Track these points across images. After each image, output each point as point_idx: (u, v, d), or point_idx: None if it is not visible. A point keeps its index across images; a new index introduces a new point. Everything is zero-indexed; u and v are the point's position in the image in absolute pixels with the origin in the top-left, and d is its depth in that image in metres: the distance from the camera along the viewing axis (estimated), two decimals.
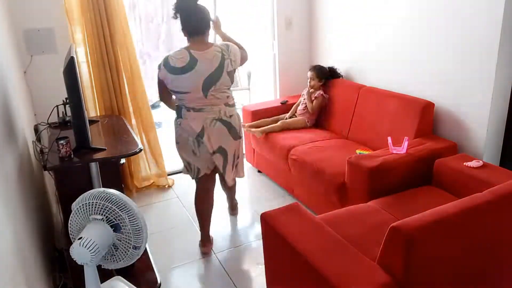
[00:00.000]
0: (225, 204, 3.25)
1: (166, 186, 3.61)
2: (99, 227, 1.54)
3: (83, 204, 1.56)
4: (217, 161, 2.54)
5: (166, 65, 2.32)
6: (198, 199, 2.76)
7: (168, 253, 2.69)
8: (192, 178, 2.70)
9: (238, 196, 3.32)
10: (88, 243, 1.48)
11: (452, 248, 1.56)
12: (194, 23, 2.34)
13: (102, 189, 1.60)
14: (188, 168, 2.66)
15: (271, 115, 3.66)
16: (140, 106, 3.35)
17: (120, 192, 1.60)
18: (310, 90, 3.52)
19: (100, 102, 3.20)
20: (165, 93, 2.50)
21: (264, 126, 3.49)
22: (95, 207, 1.55)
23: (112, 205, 1.55)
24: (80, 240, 1.48)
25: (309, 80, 3.56)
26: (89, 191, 1.59)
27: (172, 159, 4.14)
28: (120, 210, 1.55)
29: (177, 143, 2.58)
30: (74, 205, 1.58)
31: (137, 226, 1.58)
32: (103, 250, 1.54)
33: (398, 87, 3.10)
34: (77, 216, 1.58)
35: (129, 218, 1.56)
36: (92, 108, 3.21)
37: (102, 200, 1.55)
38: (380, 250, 1.55)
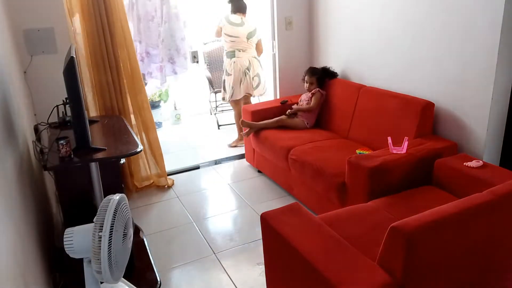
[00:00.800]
0: (225, 203, 3.26)
1: (166, 186, 3.61)
2: (89, 229, 1.54)
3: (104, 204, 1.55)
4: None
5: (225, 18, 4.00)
6: (238, 115, 4.14)
7: (168, 253, 2.69)
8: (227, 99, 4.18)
9: (238, 196, 3.33)
10: (67, 236, 1.52)
11: (452, 248, 1.56)
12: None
13: (122, 201, 1.56)
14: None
15: (271, 115, 3.66)
16: (140, 106, 3.35)
17: (120, 209, 1.54)
18: (312, 92, 3.55)
19: (100, 102, 3.19)
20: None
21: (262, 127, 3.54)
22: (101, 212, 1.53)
23: (102, 214, 1.50)
24: (67, 230, 1.52)
25: (307, 85, 3.58)
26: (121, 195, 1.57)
27: (172, 159, 4.16)
28: (99, 224, 1.48)
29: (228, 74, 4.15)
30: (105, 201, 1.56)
31: (98, 249, 1.46)
32: (84, 251, 1.53)
33: (398, 87, 3.10)
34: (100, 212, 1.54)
35: (98, 238, 1.46)
36: (92, 108, 3.21)
37: (103, 206, 1.53)
38: (380, 250, 1.55)
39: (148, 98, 3.61)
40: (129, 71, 3.23)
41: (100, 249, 1.45)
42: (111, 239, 1.46)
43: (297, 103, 3.67)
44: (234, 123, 4.60)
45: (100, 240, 1.46)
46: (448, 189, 2.36)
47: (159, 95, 5.50)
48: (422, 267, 1.50)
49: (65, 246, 1.53)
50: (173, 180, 3.68)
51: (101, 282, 1.68)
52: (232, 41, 4.00)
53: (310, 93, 3.55)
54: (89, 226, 1.56)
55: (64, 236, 1.53)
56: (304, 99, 3.60)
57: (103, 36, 3.04)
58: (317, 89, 3.54)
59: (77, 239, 1.53)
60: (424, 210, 1.57)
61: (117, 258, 1.51)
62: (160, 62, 4.43)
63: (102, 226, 1.47)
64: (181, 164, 4.02)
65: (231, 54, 4.05)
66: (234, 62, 4.02)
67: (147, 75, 4.45)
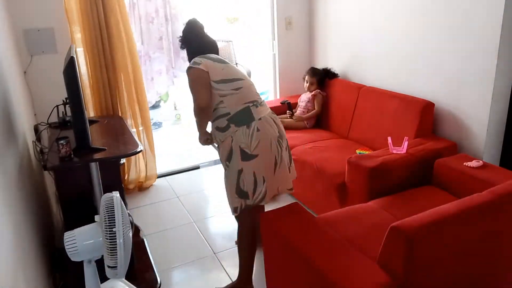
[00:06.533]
0: (225, 203, 3.26)
1: (153, 186, 3.62)
2: (93, 228, 1.53)
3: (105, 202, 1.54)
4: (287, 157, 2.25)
5: (206, 58, 2.12)
6: (252, 237, 2.25)
7: (168, 253, 2.69)
8: (240, 209, 2.13)
9: None
10: (68, 239, 1.50)
11: (452, 248, 1.56)
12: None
13: (116, 194, 1.56)
14: (247, 194, 2.08)
15: None
16: (139, 107, 3.35)
17: (121, 205, 1.54)
18: (313, 94, 3.54)
19: (99, 103, 3.19)
20: (208, 94, 2.08)
21: None
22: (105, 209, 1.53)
23: (107, 213, 1.50)
24: (66, 234, 1.50)
25: (307, 84, 3.57)
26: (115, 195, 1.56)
27: (172, 159, 4.16)
28: (108, 222, 1.48)
29: (252, 157, 2.04)
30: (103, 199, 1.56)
31: (113, 244, 1.47)
32: (88, 252, 1.53)
33: (398, 87, 3.10)
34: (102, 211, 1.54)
35: (109, 235, 1.47)
36: (92, 108, 3.21)
37: (106, 203, 1.53)
38: (380, 250, 1.55)
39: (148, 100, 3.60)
40: (129, 71, 3.22)
41: (113, 244, 1.46)
42: (123, 233, 1.49)
43: (297, 103, 3.67)
44: None
45: (113, 235, 1.47)
46: (448, 189, 2.36)
47: (159, 95, 5.51)
48: (422, 267, 1.50)
49: (67, 250, 1.50)
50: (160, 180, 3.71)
51: (102, 282, 1.68)
52: (236, 91, 2.09)
53: (311, 94, 3.54)
54: (91, 226, 1.56)
55: (65, 240, 1.52)
56: (304, 100, 3.59)
57: (100, 36, 3.03)
58: (318, 90, 3.54)
59: (80, 241, 1.52)
60: (424, 210, 1.57)
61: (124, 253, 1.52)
62: (160, 65, 4.43)
63: (112, 222, 1.47)
64: (181, 164, 4.02)
65: (246, 116, 2.06)
66: (258, 131, 2.04)
67: (150, 81, 4.43)
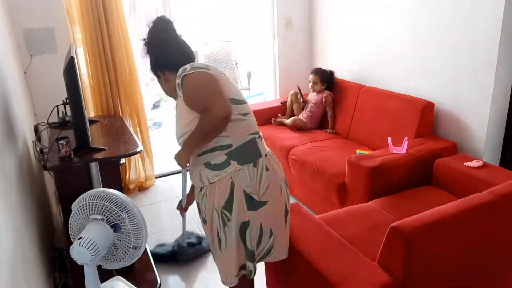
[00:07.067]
0: None
1: (153, 186, 3.63)
2: (99, 227, 1.54)
3: (83, 204, 1.56)
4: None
5: (205, 66, 1.54)
6: None
7: None
8: (238, 278, 1.73)
9: None
10: (87, 243, 1.48)
11: (452, 248, 1.56)
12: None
13: (101, 189, 1.60)
14: (254, 255, 1.65)
15: (271, 114, 3.66)
16: (137, 107, 3.35)
17: (120, 192, 1.60)
18: (325, 96, 3.47)
19: (99, 103, 3.19)
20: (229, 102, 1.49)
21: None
22: (95, 207, 1.55)
23: (112, 205, 1.55)
24: (80, 240, 1.48)
25: (311, 85, 3.54)
26: (89, 191, 1.59)
27: (172, 159, 4.16)
28: (120, 210, 1.55)
29: (261, 205, 1.59)
30: (74, 205, 1.58)
31: (136, 226, 1.57)
32: (103, 250, 1.54)
33: (398, 87, 3.10)
34: (77, 216, 1.58)
35: (128, 218, 1.56)
36: (92, 108, 3.21)
37: (102, 200, 1.55)
38: (380, 250, 1.55)
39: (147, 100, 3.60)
40: (127, 71, 3.22)
41: (135, 225, 1.56)
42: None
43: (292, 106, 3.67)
44: None
45: (132, 218, 1.56)
46: (448, 189, 2.36)
47: (160, 95, 5.51)
48: (422, 267, 1.50)
49: (91, 257, 1.48)
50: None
51: (102, 282, 1.69)
52: (243, 116, 1.60)
53: (324, 97, 3.47)
54: (96, 225, 1.55)
55: (88, 248, 1.46)
56: (311, 101, 3.55)
57: (101, 36, 3.04)
58: (328, 93, 3.48)
59: (99, 242, 1.51)
60: (424, 210, 1.57)
61: None
62: None
63: (114, 211, 1.55)
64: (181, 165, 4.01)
65: (252, 151, 1.62)
66: (267, 171, 1.62)
67: (150, 81, 4.43)
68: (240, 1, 5.49)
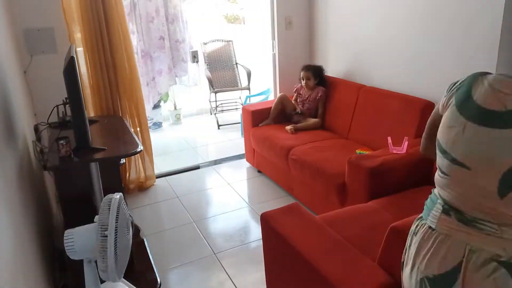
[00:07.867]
0: (225, 203, 3.26)
1: (153, 186, 3.63)
2: (93, 229, 1.54)
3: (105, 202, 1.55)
4: None
5: (458, 89, 1.24)
6: None
7: (168, 253, 2.69)
8: None
9: (238, 196, 3.32)
10: (67, 237, 1.52)
11: None
12: None
13: (117, 196, 1.57)
14: None
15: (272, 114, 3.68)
16: (136, 107, 3.34)
17: (121, 207, 1.55)
18: (319, 95, 3.54)
19: (99, 103, 3.19)
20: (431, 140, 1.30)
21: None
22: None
23: (105, 213, 1.51)
24: (66, 232, 1.51)
25: (304, 81, 3.57)
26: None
27: (172, 159, 4.16)
28: (103, 224, 1.49)
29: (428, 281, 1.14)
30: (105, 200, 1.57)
31: (103, 245, 1.45)
32: (85, 251, 1.53)
33: (398, 87, 3.10)
34: (104, 214, 1.54)
35: (102, 238, 1.46)
36: (92, 108, 3.21)
37: (105, 205, 1.54)
38: (380, 250, 1.55)
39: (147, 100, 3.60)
40: (126, 71, 3.22)
41: (104, 248, 1.45)
42: (116, 237, 1.47)
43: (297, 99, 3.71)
44: (234, 123, 4.59)
45: (104, 239, 1.46)
46: None
47: (160, 95, 5.51)
48: None
49: (66, 248, 1.53)
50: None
51: (102, 282, 1.68)
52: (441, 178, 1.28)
53: (319, 96, 3.53)
54: (90, 226, 1.56)
55: (65, 238, 1.53)
56: (306, 97, 3.59)
57: (100, 36, 3.04)
58: (323, 89, 3.55)
59: (78, 240, 1.53)
60: None
61: (120, 256, 1.52)
62: (161, 65, 4.43)
63: (105, 225, 1.47)
64: (181, 164, 4.01)
65: None
66: None
67: (151, 80, 4.43)
68: (240, 1, 5.49)
